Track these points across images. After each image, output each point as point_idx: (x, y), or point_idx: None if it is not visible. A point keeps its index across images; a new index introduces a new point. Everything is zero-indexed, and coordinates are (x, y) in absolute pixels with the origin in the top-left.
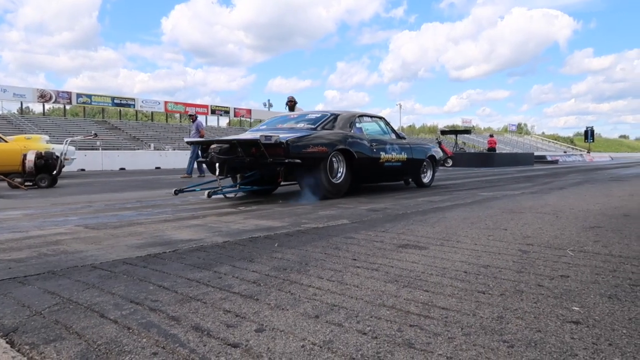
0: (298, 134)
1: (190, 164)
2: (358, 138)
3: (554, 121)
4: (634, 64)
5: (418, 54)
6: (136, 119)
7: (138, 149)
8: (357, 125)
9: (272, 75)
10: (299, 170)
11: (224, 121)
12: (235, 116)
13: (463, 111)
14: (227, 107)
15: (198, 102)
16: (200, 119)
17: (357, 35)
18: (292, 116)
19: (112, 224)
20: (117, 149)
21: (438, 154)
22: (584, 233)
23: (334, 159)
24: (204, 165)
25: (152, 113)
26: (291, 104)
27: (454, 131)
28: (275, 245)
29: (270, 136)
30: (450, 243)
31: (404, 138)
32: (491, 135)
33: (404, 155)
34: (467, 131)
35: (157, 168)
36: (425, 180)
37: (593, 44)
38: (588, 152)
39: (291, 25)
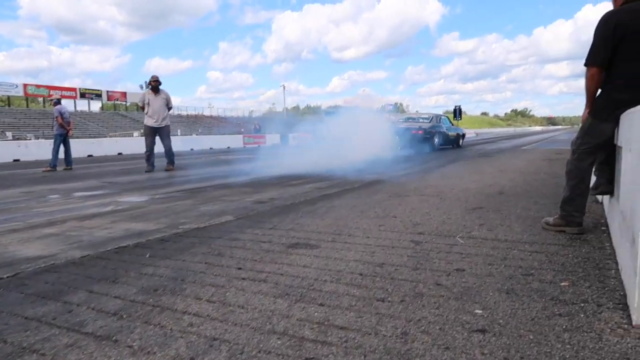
0: (427, 125)
1: (55, 156)
2: (443, 125)
3: (426, 100)
4: (492, 48)
5: (301, 35)
6: None
7: None
8: (440, 119)
9: (150, 55)
10: (427, 139)
11: (96, 105)
12: (108, 100)
13: (345, 92)
14: (98, 90)
15: (66, 84)
16: (65, 104)
17: (239, 15)
18: (413, 117)
19: None
20: None
21: (464, 132)
22: (468, 216)
23: (435, 135)
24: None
25: (8, 97)
26: (155, 84)
27: (337, 112)
28: (147, 256)
29: (420, 126)
30: (342, 238)
31: (453, 124)
32: None
33: (455, 133)
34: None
35: (15, 161)
36: (460, 144)
37: (458, 28)
38: None
39: (168, 1)
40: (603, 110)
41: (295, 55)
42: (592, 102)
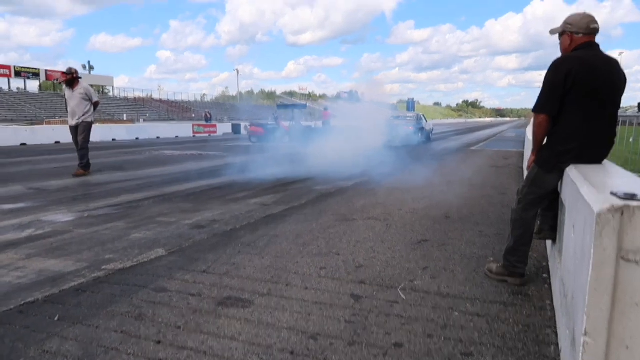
0: (414, 123)
1: None
2: (422, 122)
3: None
4: (446, 38)
5: (256, 17)
6: None
7: None
8: (421, 117)
9: (95, 30)
10: (415, 133)
11: (33, 84)
12: (47, 79)
13: (300, 77)
14: (36, 69)
15: (0, 60)
16: None
17: None
18: (400, 115)
19: None
20: None
21: (433, 127)
22: (412, 254)
23: (419, 130)
24: None
25: None
26: (68, 78)
27: (291, 106)
28: (56, 318)
29: (410, 124)
30: (279, 289)
31: (427, 121)
32: (325, 109)
33: (430, 127)
34: (302, 105)
35: None
36: (430, 138)
37: (414, 16)
38: None
39: None
40: (549, 162)
41: (249, 38)
42: (539, 150)
